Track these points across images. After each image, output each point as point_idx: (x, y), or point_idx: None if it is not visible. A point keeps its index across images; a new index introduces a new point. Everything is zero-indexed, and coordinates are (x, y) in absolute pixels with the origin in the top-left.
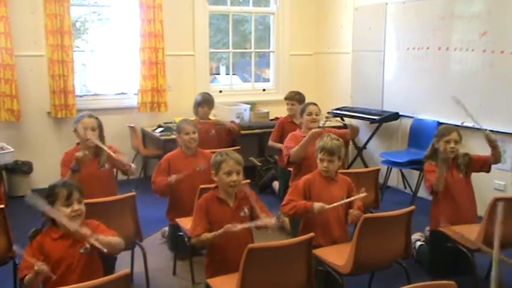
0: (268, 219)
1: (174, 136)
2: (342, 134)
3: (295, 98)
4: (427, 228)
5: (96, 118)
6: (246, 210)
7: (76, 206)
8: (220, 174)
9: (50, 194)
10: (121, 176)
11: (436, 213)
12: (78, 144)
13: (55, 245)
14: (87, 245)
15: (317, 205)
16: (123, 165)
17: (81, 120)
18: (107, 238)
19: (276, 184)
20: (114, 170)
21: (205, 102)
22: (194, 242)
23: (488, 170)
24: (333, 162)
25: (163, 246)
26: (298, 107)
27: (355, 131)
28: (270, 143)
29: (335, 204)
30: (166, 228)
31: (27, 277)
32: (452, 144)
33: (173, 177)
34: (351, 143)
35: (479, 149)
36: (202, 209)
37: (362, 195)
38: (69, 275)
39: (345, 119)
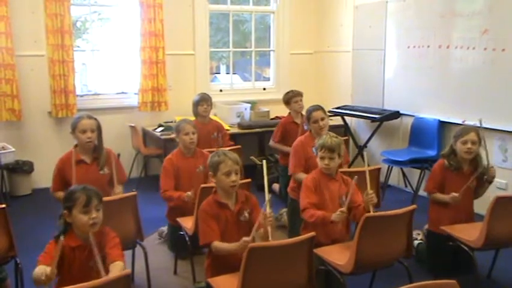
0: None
1: (174, 135)
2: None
3: (301, 93)
4: (426, 226)
5: (95, 119)
6: (246, 214)
7: (94, 214)
8: (219, 175)
9: (68, 199)
10: None
11: (436, 215)
12: (75, 146)
13: (73, 255)
14: (98, 257)
15: (336, 216)
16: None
17: (79, 122)
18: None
19: (275, 186)
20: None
21: (203, 99)
22: (210, 250)
23: None
24: (333, 160)
25: (164, 246)
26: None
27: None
28: (273, 144)
29: (345, 202)
30: (163, 228)
31: (37, 271)
32: (469, 145)
33: (189, 195)
34: (351, 142)
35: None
36: (208, 214)
37: (354, 182)
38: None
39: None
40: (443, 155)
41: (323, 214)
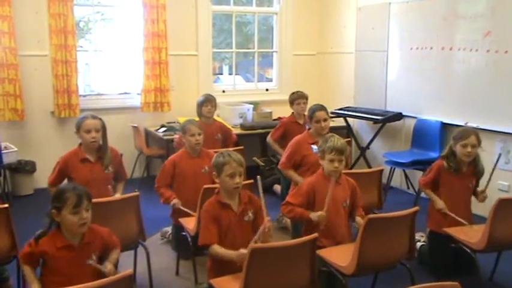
0: (263, 226)
1: (176, 136)
2: None
3: (306, 96)
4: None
5: (100, 119)
6: (250, 214)
7: (84, 214)
8: (223, 176)
9: (58, 199)
10: None
11: (435, 214)
12: (80, 145)
13: (59, 254)
14: (94, 257)
15: (314, 215)
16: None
17: (84, 122)
18: (115, 260)
19: (276, 187)
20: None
21: (207, 100)
22: (209, 253)
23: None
24: (342, 162)
25: (166, 246)
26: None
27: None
28: (270, 140)
29: (327, 200)
30: (166, 229)
31: (25, 271)
32: (469, 149)
33: (177, 204)
34: (354, 143)
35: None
36: (209, 215)
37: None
38: (73, 283)
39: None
40: (443, 156)
41: (301, 212)
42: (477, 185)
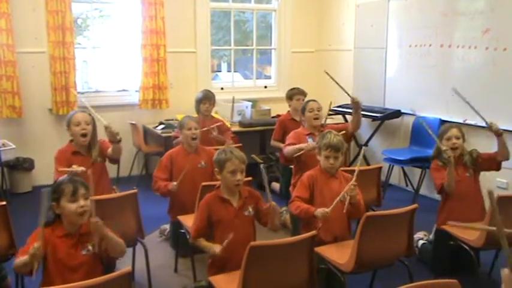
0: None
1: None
2: (343, 127)
3: (305, 93)
4: (435, 226)
5: (89, 114)
6: (250, 209)
7: (82, 202)
8: (225, 173)
9: (55, 191)
10: (122, 174)
11: (443, 212)
12: (71, 141)
13: (59, 243)
14: (89, 247)
15: (319, 212)
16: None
17: (73, 116)
18: (111, 235)
19: (275, 185)
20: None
21: (206, 98)
22: (192, 243)
23: (497, 168)
24: (338, 159)
25: (165, 244)
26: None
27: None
28: (273, 142)
29: (334, 202)
30: (165, 226)
31: (18, 260)
32: (453, 140)
33: (173, 185)
34: (352, 141)
35: (482, 147)
36: (203, 210)
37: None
38: (71, 275)
39: (346, 116)
40: (433, 157)
41: (307, 207)
42: (478, 169)
